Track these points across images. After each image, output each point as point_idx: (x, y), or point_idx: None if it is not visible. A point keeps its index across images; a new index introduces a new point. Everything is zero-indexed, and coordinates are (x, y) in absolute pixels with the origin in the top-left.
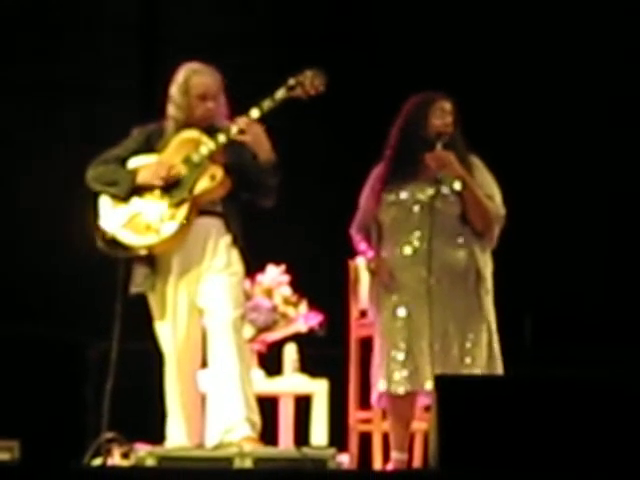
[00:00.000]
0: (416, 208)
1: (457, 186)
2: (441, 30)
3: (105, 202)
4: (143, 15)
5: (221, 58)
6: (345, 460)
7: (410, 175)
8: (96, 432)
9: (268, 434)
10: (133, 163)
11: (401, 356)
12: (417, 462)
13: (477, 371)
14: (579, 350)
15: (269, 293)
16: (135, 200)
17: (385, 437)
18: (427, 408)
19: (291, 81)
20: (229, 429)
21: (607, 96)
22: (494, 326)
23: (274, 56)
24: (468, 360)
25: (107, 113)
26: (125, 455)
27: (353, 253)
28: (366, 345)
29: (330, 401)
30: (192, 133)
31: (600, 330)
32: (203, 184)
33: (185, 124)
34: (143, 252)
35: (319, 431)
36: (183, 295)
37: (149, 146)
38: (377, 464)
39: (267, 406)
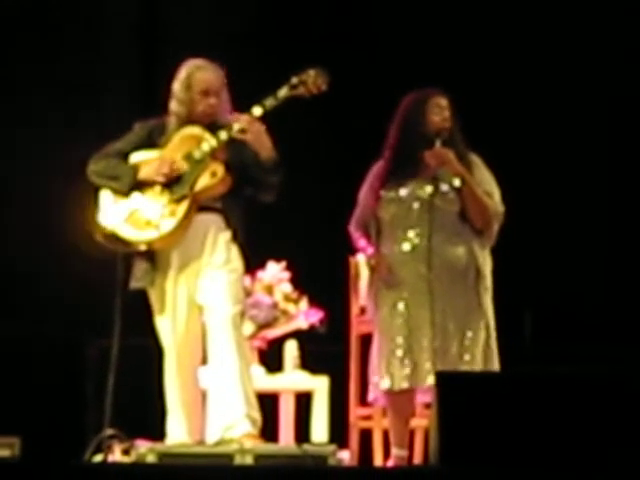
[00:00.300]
0: (415, 205)
1: (456, 183)
2: (441, 29)
3: (106, 196)
4: (143, 15)
5: (221, 58)
6: (346, 457)
7: (409, 172)
8: (96, 429)
9: (269, 431)
10: (135, 158)
11: (400, 352)
12: (418, 459)
13: (476, 368)
14: (579, 347)
15: (269, 290)
16: (136, 195)
17: (385, 434)
18: (427, 405)
19: (294, 80)
20: (230, 426)
21: (607, 95)
22: (492, 324)
23: (274, 56)
24: (467, 357)
25: (107, 113)
26: (126, 452)
27: (354, 250)
28: (366, 342)
29: (331, 398)
30: (194, 129)
31: (600, 327)
32: (204, 181)
33: (187, 120)
34: (143, 247)
35: (320, 428)
36: (183, 290)
37: (151, 141)
38: (378, 461)
39: (268, 403)
